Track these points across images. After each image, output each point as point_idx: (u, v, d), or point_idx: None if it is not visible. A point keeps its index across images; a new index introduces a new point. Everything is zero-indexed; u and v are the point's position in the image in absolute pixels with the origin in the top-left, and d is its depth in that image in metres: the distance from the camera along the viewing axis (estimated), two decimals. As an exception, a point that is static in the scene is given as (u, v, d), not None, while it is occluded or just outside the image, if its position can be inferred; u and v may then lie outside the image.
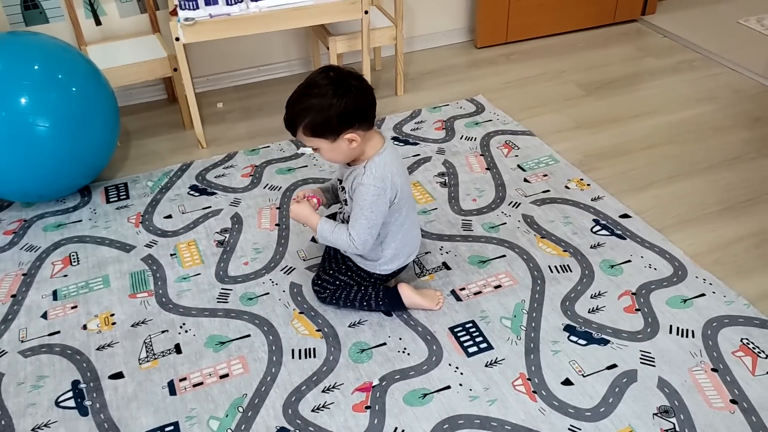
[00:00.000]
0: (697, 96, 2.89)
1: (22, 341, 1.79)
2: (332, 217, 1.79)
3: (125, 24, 2.79)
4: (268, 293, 1.91)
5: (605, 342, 1.71)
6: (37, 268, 2.04)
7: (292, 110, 1.59)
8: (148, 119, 2.86)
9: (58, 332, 1.81)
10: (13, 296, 1.93)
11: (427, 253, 2.04)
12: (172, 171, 2.49)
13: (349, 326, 1.79)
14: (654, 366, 1.64)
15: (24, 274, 2.01)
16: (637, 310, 1.80)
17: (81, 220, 2.24)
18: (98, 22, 2.74)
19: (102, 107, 2.24)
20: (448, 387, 1.61)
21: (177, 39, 2.36)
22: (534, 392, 1.58)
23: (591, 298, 1.85)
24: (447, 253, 2.04)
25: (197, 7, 2.37)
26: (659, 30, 3.51)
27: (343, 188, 1.72)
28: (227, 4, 2.40)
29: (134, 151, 2.64)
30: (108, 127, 2.28)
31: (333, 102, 1.53)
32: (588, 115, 2.79)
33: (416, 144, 2.60)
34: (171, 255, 2.07)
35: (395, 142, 2.62)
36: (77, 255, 2.08)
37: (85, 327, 1.82)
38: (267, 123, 2.80)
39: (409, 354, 1.70)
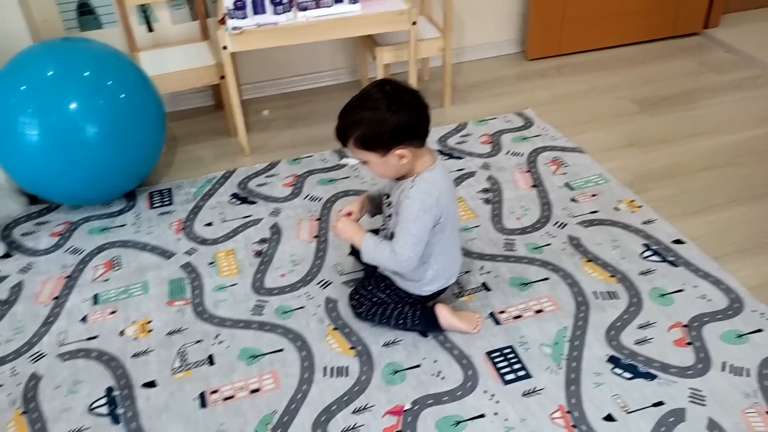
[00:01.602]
0: (760, 115, 2.75)
1: (61, 344, 1.81)
2: (375, 232, 1.76)
3: (177, 31, 2.83)
4: (303, 307, 1.89)
5: (652, 377, 1.62)
6: (80, 271, 2.07)
7: (344, 121, 1.56)
8: (195, 125, 2.89)
9: (96, 337, 1.83)
10: (55, 298, 1.97)
11: (466, 272, 1.98)
12: (215, 178, 2.50)
13: (384, 345, 1.75)
14: (704, 405, 1.54)
15: (67, 277, 2.04)
16: (688, 343, 1.70)
17: (125, 225, 2.27)
18: (150, 29, 2.79)
19: (149, 114, 2.27)
20: (483, 415, 1.55)
21: (224, 47, 2.37)
22: (573, 426, 1.51)
23: (638, 328, 1.76)
24: (487, 273, 1.97)
25: (245, 17, 2.38)
26: (722, 44, 3.36)
27: (390, 203, 1.69)
28: (275, 13, 2.40)
29: (180, 157, 2.67)
30: (154, 134, 2.31)
31: (386, 116, 1.50)
32: (641, 132, 2.68)
33: (460, 158, 2.55)
34: (209, 264, 2.07)
35: (440, 156, 2.57)
36: (119, 260, 2.11)
37: (122, 333, 1.84)
38: (311, 132, 2.79)
39: (443, 378, 1.65)
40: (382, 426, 1.54)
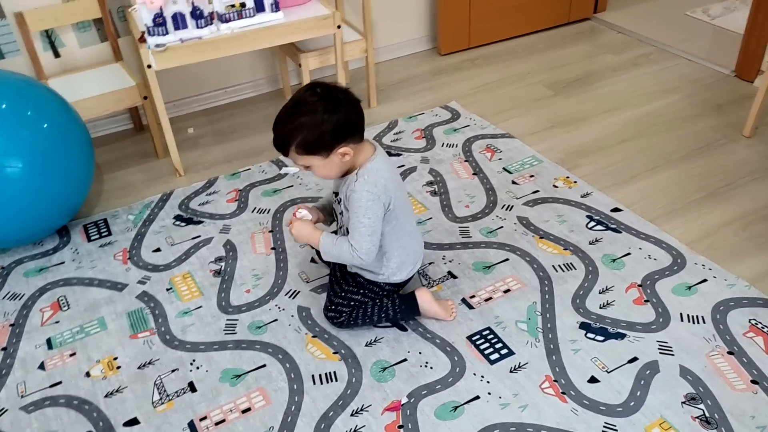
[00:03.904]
0: (659, 88, 2.99)
1: (22, 396, 1.68)
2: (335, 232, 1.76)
3: (86, 54, 2.68)
4: (276, 320, 1.86)
5: (622, 336, 1.73)
6: (24, 317, 1.92)
7: (282, 130, 1.56)
8: (117, 150, 2.76)
9: (60, 383, 1.71)
10: (3, 349, 1.82)
11: (430, 263, 2.03)
12: (152, 202, 2.40)
13: (366, 345, 1.76)
14: (673, 355, 1.67)
15: (12, 325, 1.89)
16: (646, 301, 1.84)
17: (64, 262, 2.13)
18: (57, 54, 2.63)
19: (76, 142, 2.14)
20: (477, 397, 1.60)
21: (149, 66, 2.28)
22: (563, 393, 1.59)
23: (600, 293, 1.88)
24: (450, 261, 2.03)
25: (167, 33, 2.30)
26: (612, 26, 3.62)
27: (339, 200, 1.70)
28: (197, 27, 2.34)
29: (109, 185, 2.54)
30: (83, 163, 2.18)
31: (324, 118, 1.52)
32: (560, 114, 2.84)
33: (399, 155, 2.60)
34: (167, 290, 1.99)
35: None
36: (66, 299, 1.98)
37: (88, 374, 1.73)
38: (242, 145, 2.74)
39: (432, 368, 1.69)
40: (383, 423, 1.55)
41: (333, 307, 1.78)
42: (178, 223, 2.28)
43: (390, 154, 2.60)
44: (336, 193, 1.73)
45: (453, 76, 3.22)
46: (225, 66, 2.97)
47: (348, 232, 1.65)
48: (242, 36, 2.37)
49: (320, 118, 1.52)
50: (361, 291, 1.78)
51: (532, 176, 2.41)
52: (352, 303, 1.77)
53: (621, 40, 3.48)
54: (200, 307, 1.92)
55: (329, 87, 1.57)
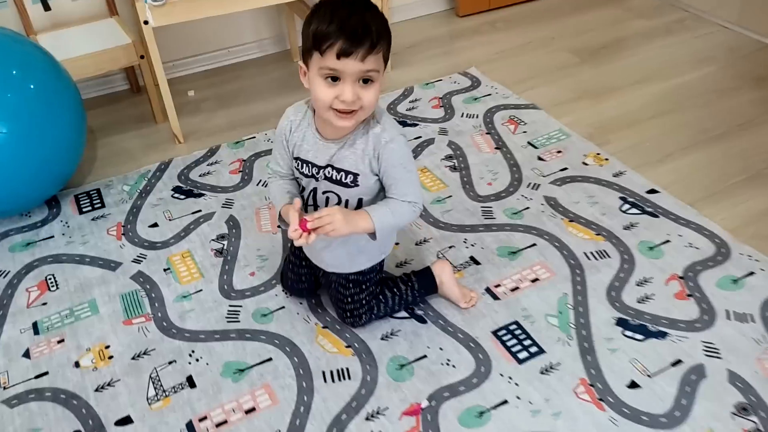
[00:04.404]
0: (694, 57, 2.78)
1: (5, 388, 1.53)
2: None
3: (78, 8, 2.47)
4: (283, 307, 1.70)
5: (663, 335, 1.58)
6: (9, 297, 1.77)
7: (375, 17, 1.18)
8: (112, 113, 2.57)
9: (47, 373, 1.56)
10: (-15, 334, 1.67)
11: (450, 247, 1.86)
12: (149, 172, 2.22)
13: (382, 339, 1.61)
14: (720, 358, 1.52)
15: (-5, 306, 1.74)
16: (688, 295, 1.68)
17: (53, 236, 1.97)
18: (47, 7, 2.41)
19: (66, 105, 1.96)
20: (506, 402, 1.45)
21: (146, 23, 2.08)
22: (600, 400, 1.44)
23: (637, 285, 1.72)
24: (472, 245, 1.87)
25: (165, -15, 2.09)
26: (642, -11, 3.38)
27: (326, 175, 1.35)
28: (199, -21, 2.12)
29: (102, 151, 2.36)
30: (74, 127, 2.00)
31: (385, 19, 1.21)
32: (587, 84, 2.64)
33: (415, 125, 2.41)
34: (165, 270, 1.83)
35: (392, 125, 2.41)
36: (55, 278, 1.82)
37: (77, 364, 1.58)
38: (246, 111, 2.55)
39: (454, 366, 1.54)
40: (401, 430, 1.41)
41: (348, 315, 1.60)
42: (176, 195, 2.11)
43: (405, 124, 2.41)
44: (313, 172, 1.36)
45: (472, 40, 3.00)
46: (228, 24, 2.76)
47: (362, 202, 1.39)
48: (248, -9, 2.16)
49: (385, 19, 1.21)
50: (365, 286, 1.56)
51: (559, 152, 2.23)
52: (364, 302, 1.59)
53: (652, 4, 3.25)
54: (200, 290, 1.76)
55: None
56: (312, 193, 1.42)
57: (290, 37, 2.85)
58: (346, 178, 1.34)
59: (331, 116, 1.23)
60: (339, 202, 1.39)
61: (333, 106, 1.20)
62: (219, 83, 2.75)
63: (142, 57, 2.30)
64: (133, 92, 2.69)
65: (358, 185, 1.35)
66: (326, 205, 1.40)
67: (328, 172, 1.35)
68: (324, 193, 1.40)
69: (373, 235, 1.34)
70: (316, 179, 1.38)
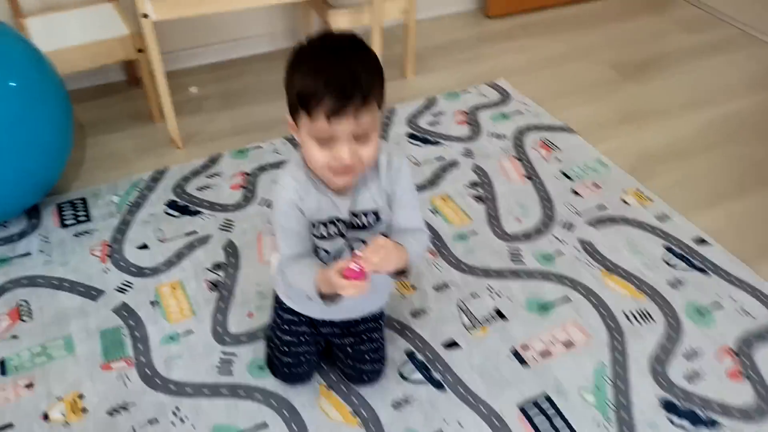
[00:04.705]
0: (749, 81, 2.54)
1: (-39, 442, 1.35)
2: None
3: (72, -11, 2.24)
4: (283, 359, 1.50)
5: (714, 424, 1.38)
6: (-25, 326, 1.57)
7: (369, 61, 1.04)
8: (106, 108, 2.35)
9: (11, 426, 1.37)
10: (-56, 371, 1.48)
11: (473, 295, 1.66)
12: (142, 180, 2.01)
13: (393, 406, 1.41)
14: (782, 460, 1.32)
15: (-42, 337, 1.55)
16: (743, 375, 1.48)
17: (30, 253, 1.76)
18: (37, -12, 2.18)
19: (50, 105, 1.74)
20: (534, 499, 1.26)
21: (145, 16, 1.85)
22: (644, 505, 1.25)
23: (685, 358, 1.51)
24: (498, 295, 1.66)
25: (169, -25, 1.86)
26: (689, -2, 3.13)
27: (358, 224, 1.20)
28: (207, -30, 1.89)
29: (92, 152, 2.14)
30: (59, 130, 1.79)
31: (376, 59, 1.07)
32: (630, 104, 2.41)
33: (437, 143, 2.19)
34: (152, 303, 1.63)
35: (411, 141, 2.19)
36: (28, 305, 1.62)
37: (46, 416, 1.38)
38: (252, 114, 2.32)
39: (475, 448, 1.34)
40: None
41: (370, 371, 1.42)
42: (170, 211, 1.90)
43: (427, 142, 2.19)
44: (339, 227, 1.20)
45: (502, 46, 2.77)
46: (238, 13, 2.52)
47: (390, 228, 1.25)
48: (262, -14, 1.93)
49: (377, 59, 1.07)
50: (382, 321, 1.45)
51: (596, 185, 2.01)
52: (384, 343, 1.44)
53: (699, 17, 3.00)
54: (190, 332, 1.56)
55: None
56: (339, 256, 1.23)
57: (305, 31, 2.61)
58: (368, 219, 1.21)
59: (329, 176, 1.10)
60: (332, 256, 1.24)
61: (330, 165, 1.07)
62: (224, 79, 2.52)
63: (140, 51, 2.08)
64: (130, 84, 2.46)
65: (380, 221, 1.22)
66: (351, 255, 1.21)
67: (352, 223, 1.20)
68: (350, 246, 1.23)
69: (401, 274, 1.14)
70: (344, 236, 1.21)
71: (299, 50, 1.06)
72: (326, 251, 1.22)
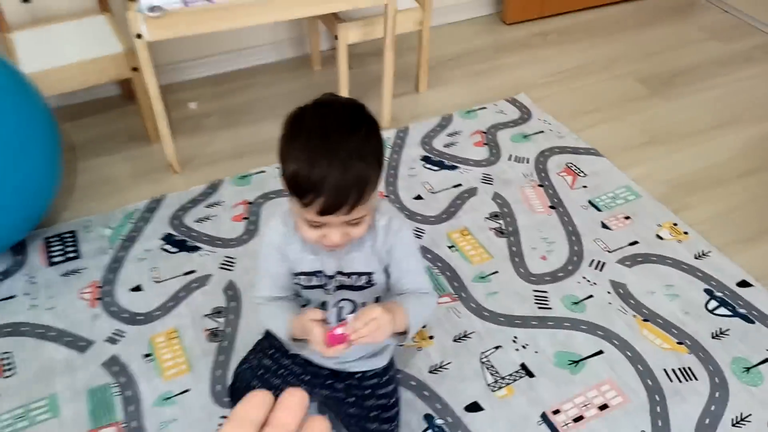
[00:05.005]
0: (783, 96, 2.38)
1: None
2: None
3: (63, 0, 2.07)
4: (288, 424, 1.36)
5: (771, 508, 1.24)
6: (-49, 383, 1.44)
7: (364, 150, 0.94)
8: (99, 126, 2.19)
9: (-14, 505, 1.24)
10: None
11: (497, 348, 1.51)
12: (137, 211, 1.87)
13: (411, 483, 1.27)
14: None
15: (-68, 398, 1.41)
16: (799, 448, 1.34)
17: (14, 296, 1.62)
18: (24, -1, 2.03)
19: (37, 132, 1.60)
20: None
21: (139, 36, 1.69)
22: None
23: (734, 426, 1.37)
24: (524, 347, 1.52)
25: (165, -10, 1.70)
26: (716, 2, 2.94)
27: (345, 278, 1.12)
28: (206, -16, 1.73)
29: (83, 178, 1.99)
30: (47, 159, 1.65)
31: (374, 142, 0.98)
32: (659, 123, 2.25)
33: (455, 168, 2.03)
34: (145, 356, 1.49)
35: (426, 166, 2.04)
36: (12, 358, 1.48)
37: (26, 494, 1.25)
38: (256, 133, 2.17)
39: None
40: None
41: (380, 427, 1.27)
42: (167, 247, 1.76)
43: (443, 166, 2.04)
44: (322, 281, 1.12)
45: (520, 56, 2.60)
46: (240, 24, 2.36)
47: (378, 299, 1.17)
48: (268, 2, 1.77)
49: (373, 142, 0.98)
50: (391, 373, 1.31)
51: (627, 218, 1.86)
52: (398, 404, 1.31)
53: (728, 23, 2.83)
54: (187, 390, 1.42)
55: (341, 98, 1.02)
56: (321, 307, 1.16)
57: (311, 41, 2.45)
58: (359, 281, 1.13)
59: (320, 246, 1.05)
60: (354, 310, 1.14)
61: (319, 241, 1.01)
62: (226, 93, 2.37)
63: (135, 69, 1.92)
64: (125, 99, 2.31)
65: (373, 284, 1.14)
66: (339, 316, 1.15)
67: (338, 280, 1.13)
68: (336, 304, 1.15)
69: (400, 335, 1.06)
70: (326, 291, 1.14)
71: (295, 122, 0.98)
72: (307, 301, 1.17)
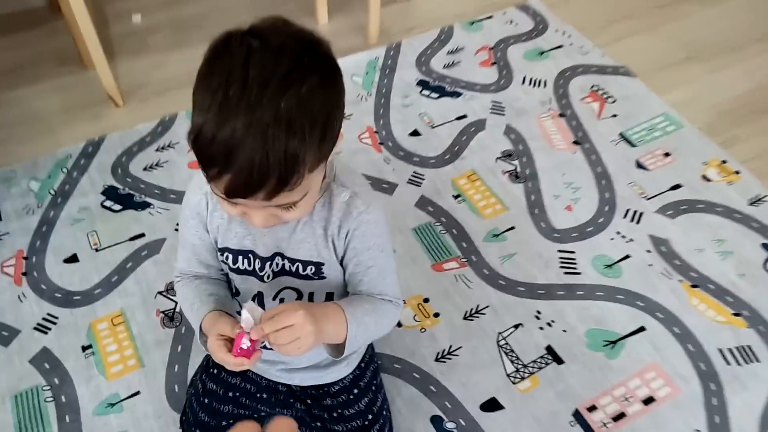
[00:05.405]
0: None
1: None
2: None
3: None
4: None
5: None
6: None
7: (303, 112, 0.63)
8: (22, 48, 1.80)
9: None
10: None
11: (517, 326, 1.24)
12: (71, 157, 1.52)
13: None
14: None
15: None
16: None
17: None
18: None
19: None
20: None
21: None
22: None
23: (806, 422, 1.13)
24: (549, 325, 1.25)
25: None
26: None
27: (287, 263, 0.85)
28: None
29: (4, 115, 1.63)
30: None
31: (329, 92, 0.68)
32: (699, 34, 1.89)
33: (458, 94, 1.68)
34: (84, 349, 1.20)
35: (422, 91, 1.69)
36: None
37: None
38: (217, 52, 1.79)
39: None
40: None
41: None
42: (109, 203, 1.43)
43: (443, 93, 1.69)
44: (254, 264, 0.86)
45: (532, -50, 2.18)
46: None
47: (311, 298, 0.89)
48: None
49: (329, 98, 0.68)
50: (375, 381, 1.05)
51: (667, 155, 1.55)
52: (384, 411, 1.04)
53: None
54: (137, 393, 1.15)
55: (296, 26, 0.70)
56: (256, 299, 0.89)
57: (280, -64, 2.01)
58: (305, 270, 0.86)
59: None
60: (299, 299, 0.89)
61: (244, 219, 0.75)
62: (177, 1, 1.95)
63: (53, -25, 1.51)
64: (51, 12, 1.89)
65: (324, 277, 0.87)
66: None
67: (278, 265, 0.85)
68: (276, 297, 0.88)
69: (336, 349, 0.83)
70: (261, 278, 0.86)
71: (215, 55, 0.68)
72: (236, 289, 0.91)
